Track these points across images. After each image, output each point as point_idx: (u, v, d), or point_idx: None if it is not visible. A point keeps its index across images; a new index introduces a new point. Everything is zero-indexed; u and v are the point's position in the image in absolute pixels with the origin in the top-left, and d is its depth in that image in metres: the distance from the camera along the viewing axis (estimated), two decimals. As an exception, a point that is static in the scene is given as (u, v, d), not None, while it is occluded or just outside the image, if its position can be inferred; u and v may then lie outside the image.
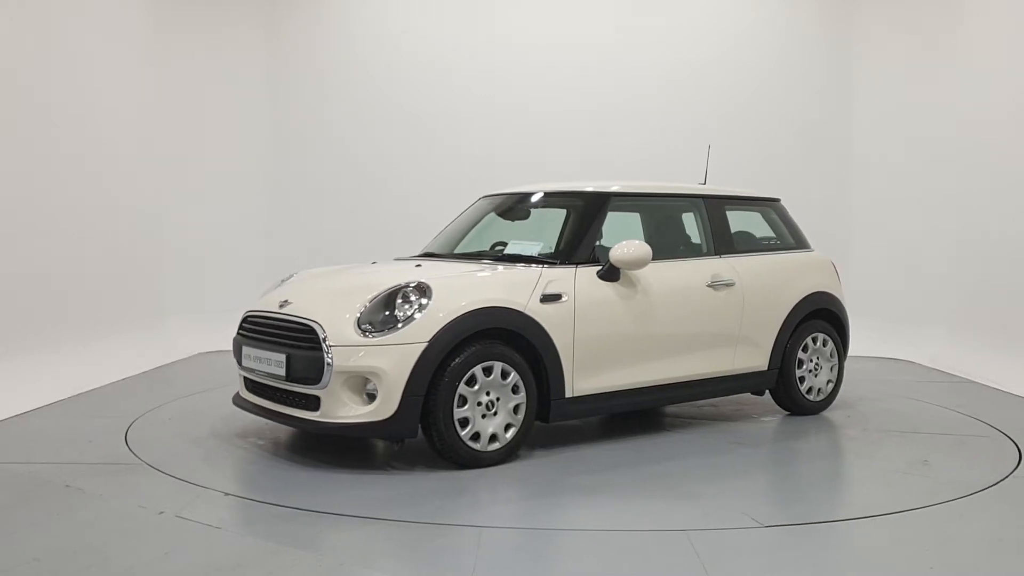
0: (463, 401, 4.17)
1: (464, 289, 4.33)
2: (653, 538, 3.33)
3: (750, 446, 4.88)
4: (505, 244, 5.07)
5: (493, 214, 5.48)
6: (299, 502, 3.70)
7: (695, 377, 5.09)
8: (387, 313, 4.13)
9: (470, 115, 8.81)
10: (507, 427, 4.33)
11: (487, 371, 4.23)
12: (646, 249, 4.63)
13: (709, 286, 5.11)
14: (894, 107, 8.64)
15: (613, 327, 4.68)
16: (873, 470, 4.50)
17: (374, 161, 8.84)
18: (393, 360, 4.02)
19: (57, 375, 6.09)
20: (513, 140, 8.75)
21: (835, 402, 5.85)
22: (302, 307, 4.37)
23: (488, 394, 4.25)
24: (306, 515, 3.55)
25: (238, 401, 4.78)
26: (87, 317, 6.88)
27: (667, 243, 5.48)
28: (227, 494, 3.84)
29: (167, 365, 7.45)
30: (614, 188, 5.10)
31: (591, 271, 4.68)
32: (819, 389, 5.68)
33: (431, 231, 5.98)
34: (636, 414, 5.59)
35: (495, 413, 4.28)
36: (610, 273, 4.70)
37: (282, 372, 4.26)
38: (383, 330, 4.07)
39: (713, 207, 5.42)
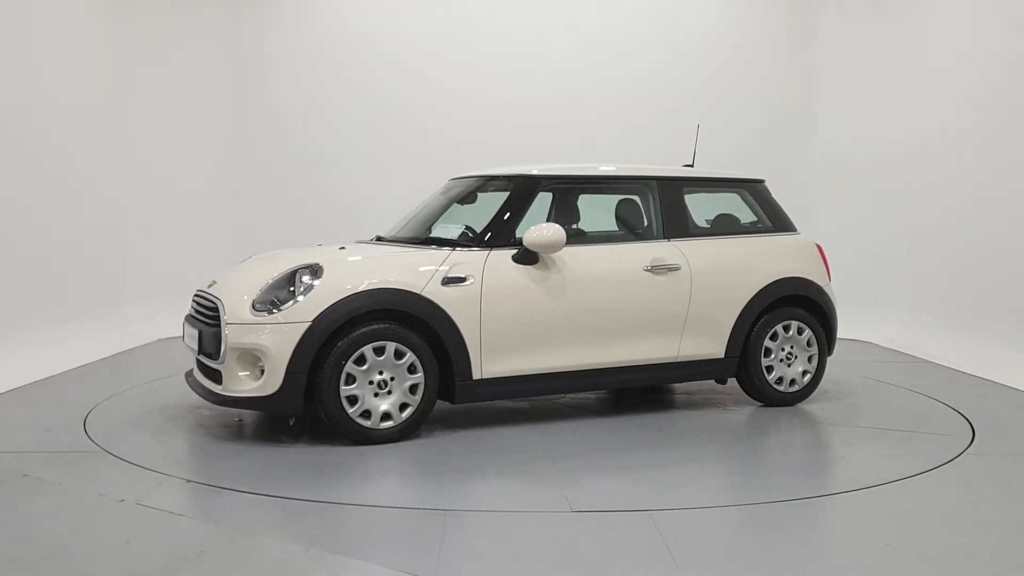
0: (352, 379, 4.29)
1: (358, 271, 4.44)
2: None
3: (674, 435, 4.70)
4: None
5: (445, 198, 5.44)
6: (262, 488, 3.68)
7: (630, 363, 4.95)
8: (281, 293, 4.33)
9: (437, 100, 8.73)
10: (404, 406, 4.40)
11: (379, 351, 4.33)
12: (559, 232, 4.60)
13: (648, 270, 4.97)
14: (857, 95, 8.73)
15: (527, 310, 4.65)
16: (810, 458, 4.57)
17: (337, 147, 8.75)
18: (277, 338, 4.22)
19: (13, 363, 5.97)
20: (482, 124, 8.68)
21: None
22: (220, 286, 4.62)
23: (381, 373, 4.34)
24: (269, 501, 3.53)
25: (188, 378, 4.88)
26: (45, 304, 6.75)
27: (606, 226, 5.41)
28: (189, 481, 3.81)
29: (126, 352, 7.34)
30: (544, 172, 5.03)
31: (506, 254, 4.69)
32: (792, 380, 5.38)
33: (398, 214, 5.94)
34: (597, 396, 5.64)
35: (389, 392, 4.37)
36: (526, 256, 4.69)
37: (196, 347, 4.57)
38: (273, 310, 4.28)
39: (668, 189, 5.27)
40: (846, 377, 6.39)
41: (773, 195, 5.78)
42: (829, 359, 5.64)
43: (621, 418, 5.12)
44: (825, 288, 5.55)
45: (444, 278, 4.48)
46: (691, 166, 5.78)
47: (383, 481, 3.91)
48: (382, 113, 8.74)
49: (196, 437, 4.58)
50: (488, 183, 5.25)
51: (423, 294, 4.40)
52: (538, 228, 4.63)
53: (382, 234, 5.49)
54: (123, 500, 3.50)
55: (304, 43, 8.79)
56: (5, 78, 6.29)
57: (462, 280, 4.52)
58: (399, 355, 4.37)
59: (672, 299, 5.03)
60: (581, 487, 3.76)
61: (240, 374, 4.32)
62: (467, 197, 5.34)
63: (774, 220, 5.63)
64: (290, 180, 8.80)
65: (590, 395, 5.69)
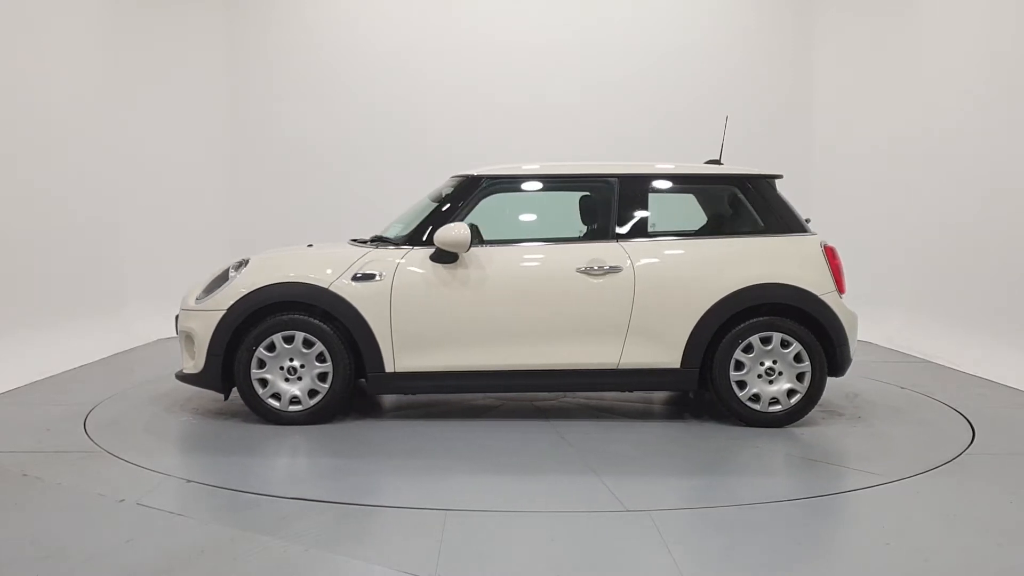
0: (263, 364, 4.71)
1: (275, 266, 4.84)
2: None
3: (574, 444, 4.46)
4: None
5: (428, 198, 5.41)
6: (262, 488, 3.68)
7: (561, 367, 4.76)
8: (217, 284, 4.83)
9: (438, 99, 8.74)
10: (314, 392, 4.73)
11: (288, 339, 4.70)
12: (462, 231, 4.65)
13: (582, 271, 4.76)
14: (856, 96, 8.73)
15: (442, 308, 4.71)
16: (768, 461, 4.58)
17: (337, 146, 8.77)
18: (200, 324, 4.74)
19: (13, 363, 5.97)
20: (483, 124, 8.70)
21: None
22: (199, 280, 5.08)
23: (292, 360, 4.71)
24: (269, 501, 3.54)
25: None
26: (45, 304, 6.74)
27: (544, 226, 5.37)
28: (189, 481, 3.81)
29: (126, 352, 7.34)
30: (483, 172, 5.01)
31: (425, 253, 4.79)
32: (772, 398, 4.80)
33: (393, 214, 5.94)
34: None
35: (299, 378, 4.73)
36: (442, 255, 4.74)
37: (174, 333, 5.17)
38: (204, 298, 4.80)
39: (629, 188, 4.96)
40: (844, 378, 6.37)
41: (778, 192, 5.24)
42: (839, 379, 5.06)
43: (545, 423, 5.01)
44: (825, 297, 4.85)
45: (355, 274, 4.72)
46: (718, 162, 5.49)
47: (385, 481, 3.91)
48: (382, 113, 8.75)
49: (196, 437, 4.59)
50: (458, 184, 5.13)
51: (330, 289, 4.68)
52: (445, 227, 4.70)
53: (379, 232, 5.48)
54: (123, 500, 3.50)
55: (305, 43, 8.79)
56: (4, 77, 6.29)
57: (371, 277, 4.71)
58: (308, 344, 4.70)
59: (610, 302, 4.75)
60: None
61: (187, 354, 4.89)
62: (439, 197, 5.31)
63: (769, 220, 5.02)
64: (291, 180, 8.81)
65: (583, 397, 5.68)
